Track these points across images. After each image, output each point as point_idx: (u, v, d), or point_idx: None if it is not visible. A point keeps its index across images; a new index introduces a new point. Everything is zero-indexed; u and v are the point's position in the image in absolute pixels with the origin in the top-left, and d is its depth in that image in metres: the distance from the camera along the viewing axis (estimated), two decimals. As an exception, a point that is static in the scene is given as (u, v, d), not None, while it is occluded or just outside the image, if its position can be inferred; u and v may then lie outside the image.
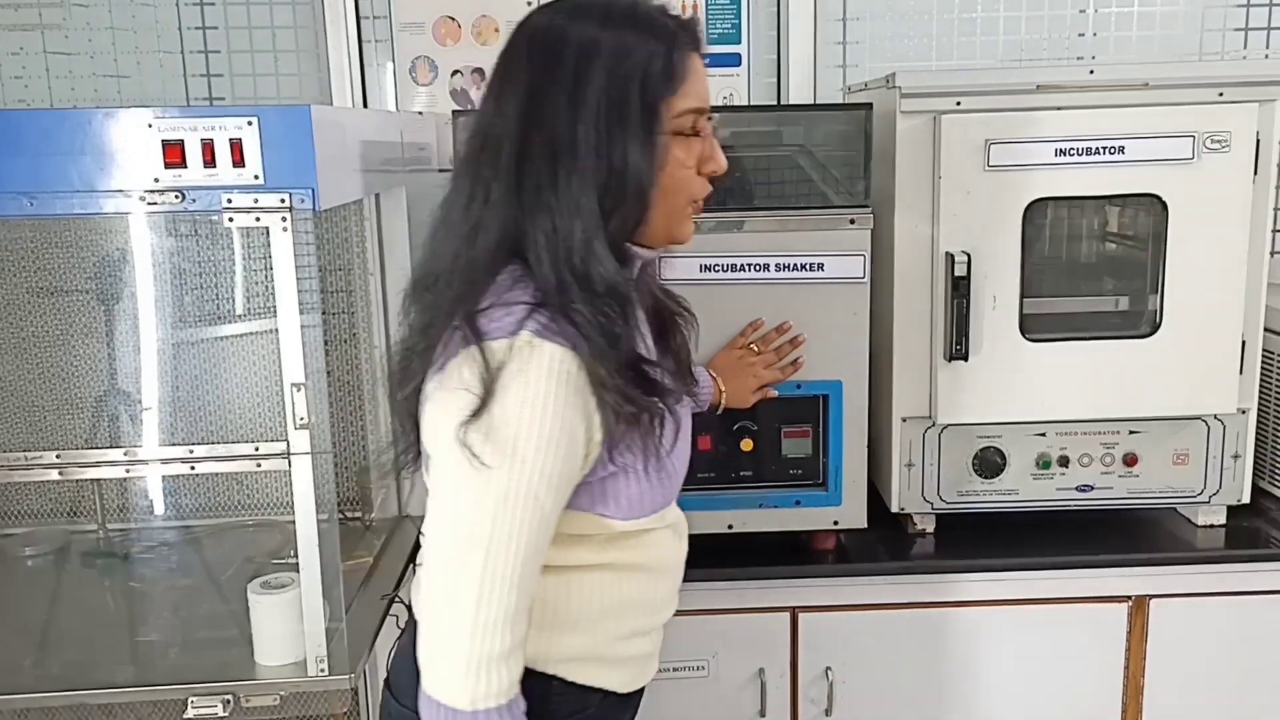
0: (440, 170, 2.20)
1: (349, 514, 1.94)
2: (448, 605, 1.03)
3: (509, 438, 0.99)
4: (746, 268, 1.69)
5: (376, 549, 1.85)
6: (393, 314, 1.91)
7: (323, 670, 1.44)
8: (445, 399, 1.03)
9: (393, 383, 1.16)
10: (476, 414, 0.99)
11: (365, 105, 2.28)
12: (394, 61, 2.29)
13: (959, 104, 1.68)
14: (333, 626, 1.46)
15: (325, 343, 1.83)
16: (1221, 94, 1.68)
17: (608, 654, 1.19)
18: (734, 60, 2.34)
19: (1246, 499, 1.84)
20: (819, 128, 1.78)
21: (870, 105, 1.70)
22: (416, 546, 1.86)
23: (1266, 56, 2.35)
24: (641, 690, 1.27)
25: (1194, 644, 1.82)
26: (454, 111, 1.70)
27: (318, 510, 1.41)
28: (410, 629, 1.21)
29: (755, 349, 1.68)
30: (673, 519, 1.24)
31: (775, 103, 2.35)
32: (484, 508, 1.01)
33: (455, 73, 2.31)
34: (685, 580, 1.71)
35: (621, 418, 1.04)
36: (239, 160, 1.33)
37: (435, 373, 1.06)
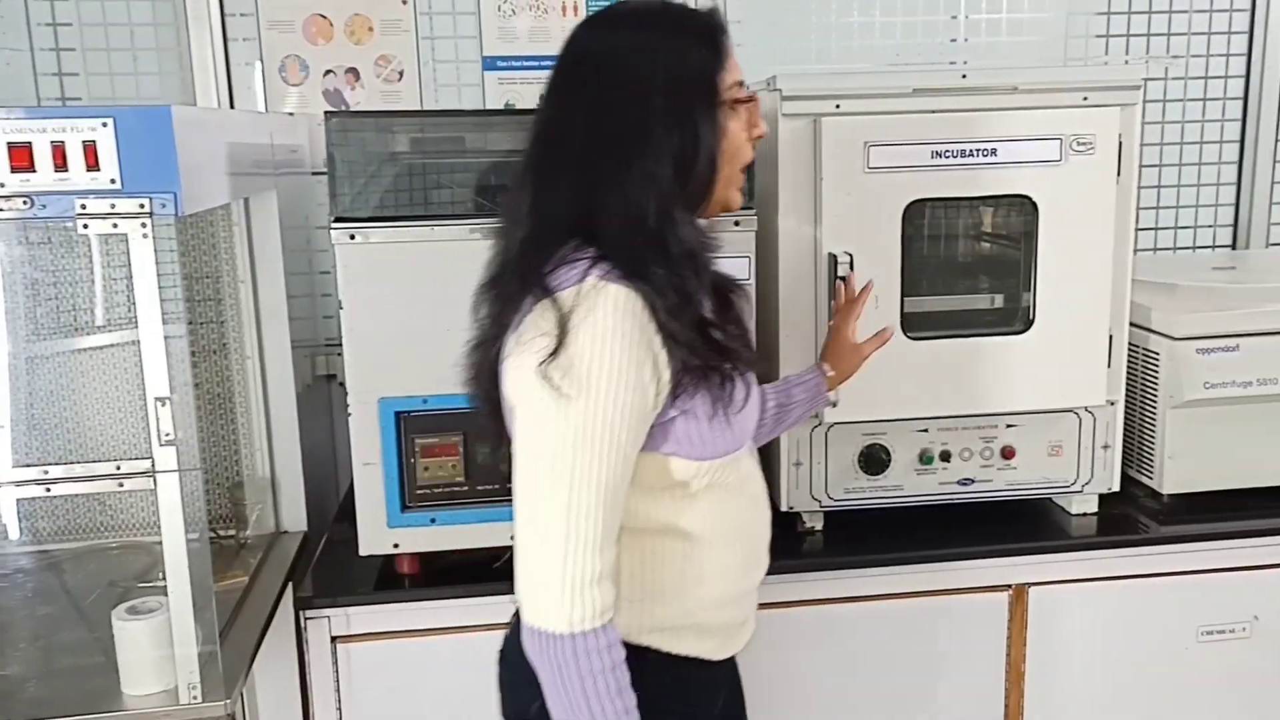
0: (314, 173, 2.14)
1: (221, 532, 1.86)
2: (539, 537, 1.10)
3: (583, 371, 1.08)
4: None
5: (252, 567, 1.78)
6: (265, 322, 1.84)
7: (195, 698, 1.38)
8: (525, 349, 1.11)
9: (468, 377, 1.26)
10: (554, 353, 1.08)
11: (232, 106, 2.19)
12: (262, 60, 2.21)
13: (839, 106, 1.70)
14: (206, 650, 1.40)
15: (193, 354, 1.76)
16: (1086, 98, 1.74)
17: (698, 623, 1.24)
18: (616, 62, 2.32)
19: (1116, 487, 1.91)
20: (702, 130, 1.77)
21: (752, 107, 1.70)
22: (296, 561, 1.81)
23: (1126, 62, 2.46)
24: (733, 659, 1.33)
25: (1071, 628, 1.88)
26: (326, 112, 1.64)
27: (187, 529, 1.35)
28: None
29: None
30: (750, 478, 1.30)
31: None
32: (565, 439, 1.09)
33: (328, 72, 2.24)
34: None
35: (689, 370, 1.13)
36: (94, 163, 1.27)
37: (512, 335, 1.16)
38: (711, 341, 1.17)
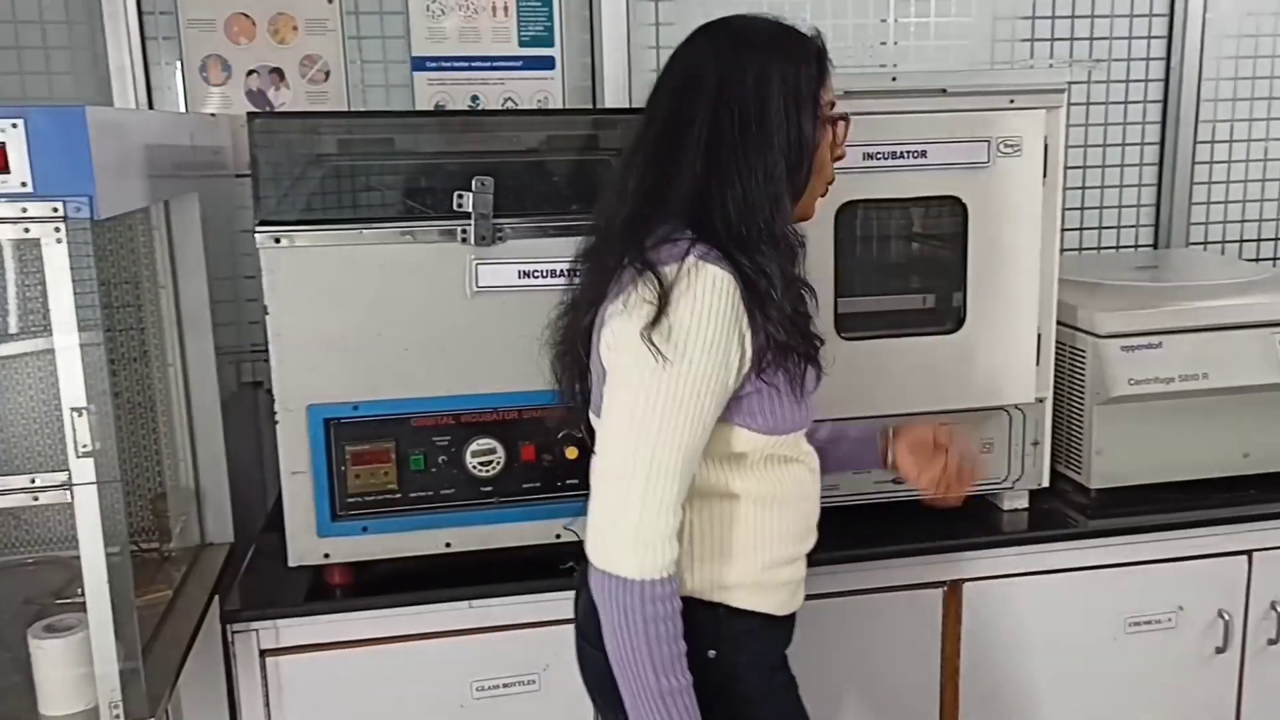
0: (238, 175, 2.08)
1: (144, 545, 1.80)
2: (619, 488, 1.22)
3: (680, 339, 1.19)
4: (566, 273, 1.66)
5: (176, 580, 1.73)
6: (188, 328, 1.79)
7: (117, 716, 1.34)
8: (628, 314, 1.22)
9: (557, 339, 1.40)
10: (655, 321, 1.19)
11: (151, 106, 2.13)
12: (182, 60, 2.15)
13: (770, 108, 1.70)
14: (128, 668, 1.35)
15: (112, 362, 1.70)
16: (1012, 101, 1.77)
17: (762, 580, 1.35)
18: (548, 63, 2.31)
19: (1046, 483, 1.95)
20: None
21: (684, 108, 1.70)
22: (222, 574, 1.76)
23: (1051, 65, 2.50)
24: (794, 615, 1.43)
25: (1004, 623, 1.91)
26: (249, 114, 1.60)
27: (107, 543, 1.31)
28: (587, 583, 1.30)
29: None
30: (806, 452, 1.39)
31: (590, 107, 2.34)
32: (655, 403, 1.20)
33: (251, 72, 2.19)
34: (511, 594, 1.71)
35: (774, 345, 1.23)
36: (3, 166, 1.22)
37: (611, 303, 1.26)
38: (796, 324, 1.27)
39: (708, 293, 1.20)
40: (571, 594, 1.73)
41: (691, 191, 1.26)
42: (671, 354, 1.19)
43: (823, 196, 1.38)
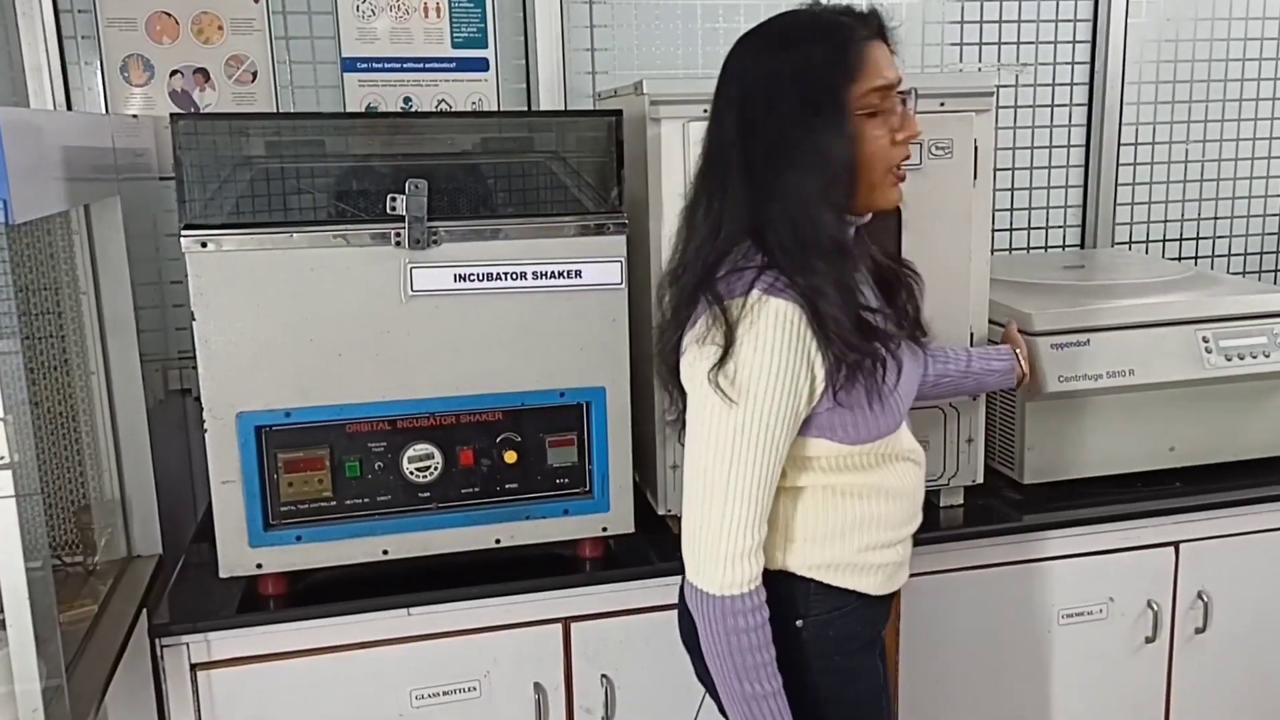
0: (162, 178, 2.03)
1: (67, 559, 1.75)
2: (701, 514, 1.29)
3: (746, 379, 1.25)
4: (503, 276, 1.65)
5: (102, 594, 1.69)
6: (111, 335, 1.74)
7: (41, 737, 1.29)
8: (697, 351, 1.29)
9: (657, 359, 1.45)
10: (721, 362, 1.25)
11: (69, 108, 2.07)
12: (102, 60, 2.09)
13: (706, 111, 1.68)
14: (51, 685, 1.31)
15: (30, 370, 1.65)
16: (943, 104, 1.79)
17: (855, 562, 1.40)
18: (481, 65, 2.29)
19: (981, 479, 1.98)
20: (570, 134, 1.76)
21: (620, 112, 1.70)
22: (150, 587, 1.71)
23: (980, 69, 2.55)
24: (893, 595, 1.47)
25: (941, 618, 1.93)
26: (173, 115, 1.55)
27: (26, 558, 1.27)
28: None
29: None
30: (909, 450, 1.43)
31: (525, 108, 2.33)
32: (727, 438, 1.27)
33: (174, 73, 2.14)
34: (451, 600, 1.68)
35: (845, 364, 1.27)
36: (-88, 168, 1.17)
37: (689, 331, 1.32)
38: (866, 328, 1.30)
39: (771, 328, 1.25)
40: (511, 599, 1.72)
41: (745, 213, 1.30)
42: (737, 396, 1.25)
43: (901, 181, 1.34)
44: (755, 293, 1.26)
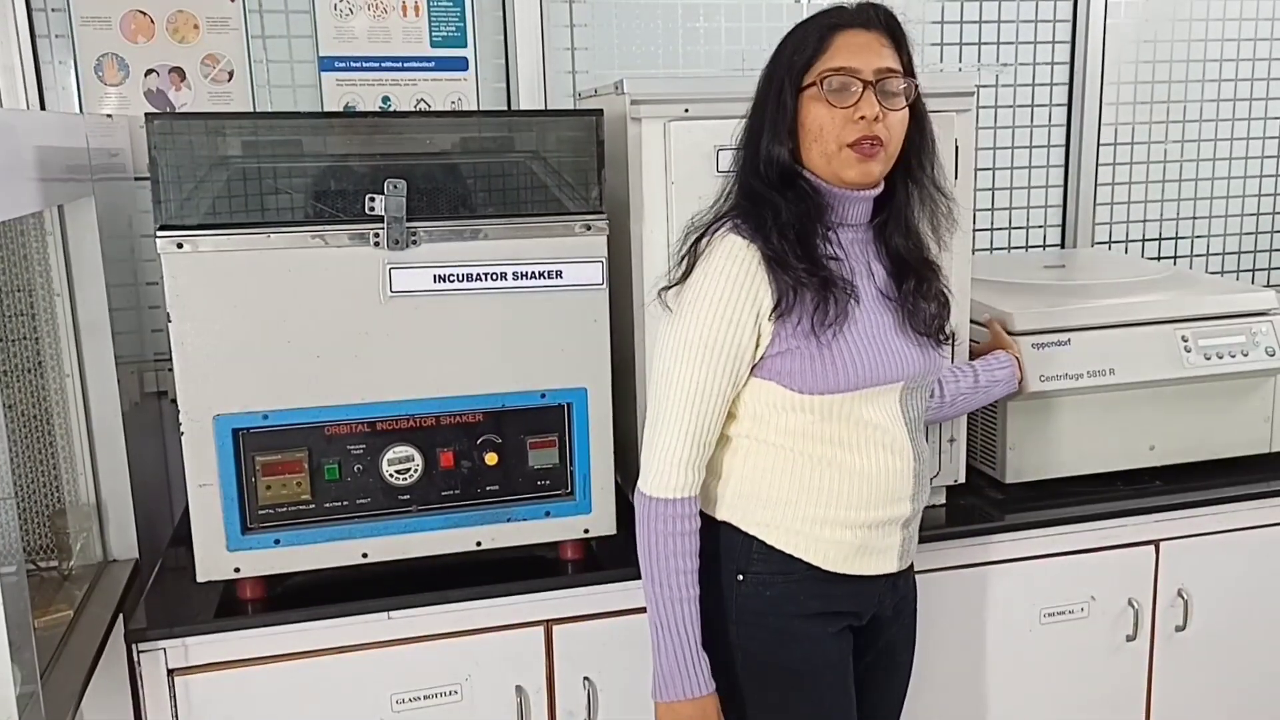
0: (137, 178, 2.01)
1: (42, 564, 1.73)
2: (650, 423, 1.44)
3: (689, 297, 1.40)
4: (483, 277, 1.64)
5: (78, 599, 1.67)
6: (86, 337, 1.72)
7: (15, 745, 1.27)
8: (667, 282, 1.45)
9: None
10: (680, 283, 1.42)
11: (43, 107, 2.05)
12: (76, 59, 2.06)
13: (687, 111, 1.70)
14: (26, 692, 1.29)
15: (4, 373, 1.63)
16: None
17: (801, 531, 1.45)
18: (461, 64, 2.28)
19: (963, 479, 1.98)
20: (550, 134, 1.75)
21: (600, 111, 1.69)
22: (127, 591, 1.70)
23: (960, 69, 2.56)
24: (872, 579, 1.50)
25: (923, 617, 1.92)
26: (148, 115, 1.53)
27: (0, 563, 1.25)
28: None
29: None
30: (876, 427, 1.45)
31: (505, 108, 2.32)
32: (668, 349, 1.41)
33: (150, 72, 2.11)
34: (431, 604, 1.67)
35: (792, 289, 1.37)
36: (-120, 167, 1.15)
37: None
38: (817, 264, 1.39)
39: (721, 257, 1.38)
40: (492, 602, 1.71)
41: (738, 171, 1.47)
42: (678, 310, 1.40)
43: (868, 160, 1.39)
44: (720, 232, 1.41)
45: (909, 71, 1.44)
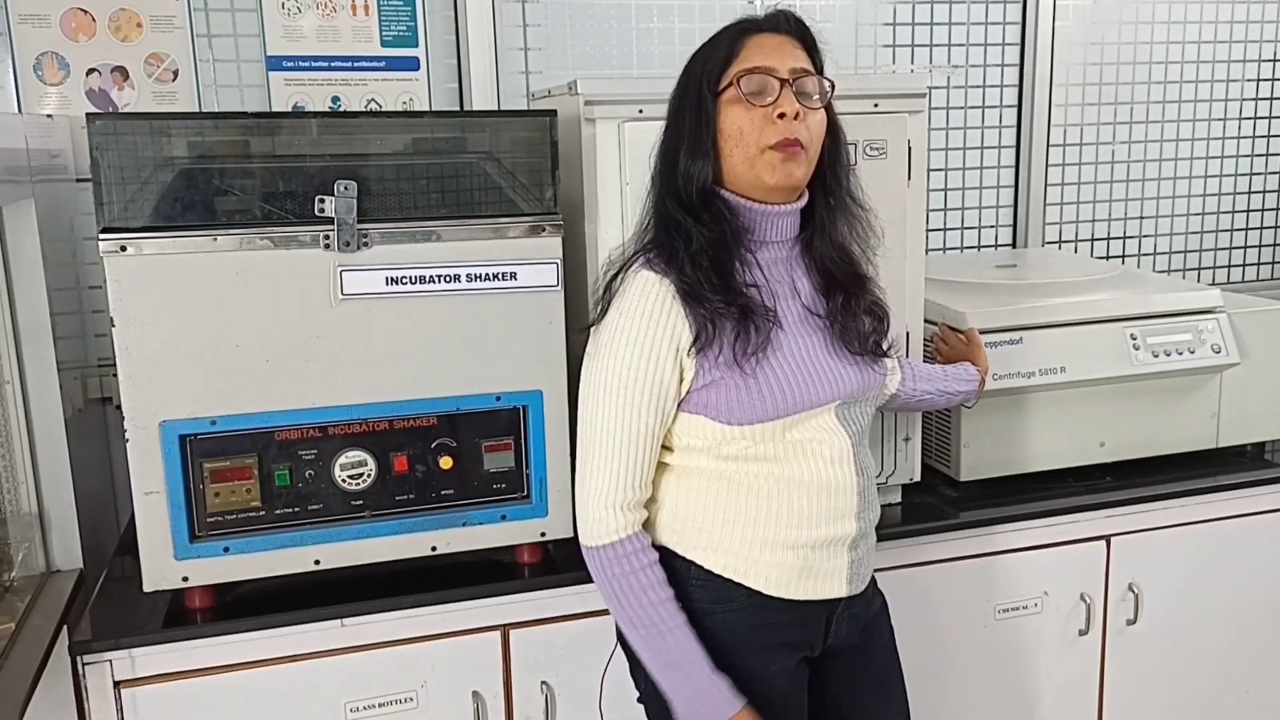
0: (79, 180, 1.97)
1: (-17, 577, 1.68)
2: (579, 474, 1.40)
3: (605, 339, 1.36)
4: (436, 279, 1.62)
5: (20, 611, 1.63)
6: (26, 342, 1.67)
7: (-48, 765, 1.24)
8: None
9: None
10: (595, 324, 1.39)
11: (-19, 106, 2.00)
12: (14, 58, 2.01)
13: (641, 111, 1.69)
14: (-36, 710, 1.26)
15: (-60, 381, 1.58)
16: (876, 105, 1.80)
17: (740, 553, 1.40)
18: (412, 64, 2.25)
19: (918, 477, 1.99)
20: (504, 135, 1.73)
21: (554, 112, 1.68)
22: (71, 602, 1.66)
23: (912, 71, 2.57)
24: (819, 604, 1.44)
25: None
26: (89, 114, 1.50)
27: (-64, 578, 1.21)
28: None
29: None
30: (818, 444, 1.40)
31: (458, 108, 2.29)
32: (589, 394, 1.38)
33: (91, 71, 2.07)
34: (386, 610, 1.65)
35: (710, 322, 1.33)
36: None
37: None
38: (733, 292, 1.35)
39: (634, 295, 1.35)
40: (448, 607, 1.69)
41: (651, 200, 1.43)
42: (595, 352, 1.37)
43: (788, 161, 1.35)
44: (633, 268, 1.37)
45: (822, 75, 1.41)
